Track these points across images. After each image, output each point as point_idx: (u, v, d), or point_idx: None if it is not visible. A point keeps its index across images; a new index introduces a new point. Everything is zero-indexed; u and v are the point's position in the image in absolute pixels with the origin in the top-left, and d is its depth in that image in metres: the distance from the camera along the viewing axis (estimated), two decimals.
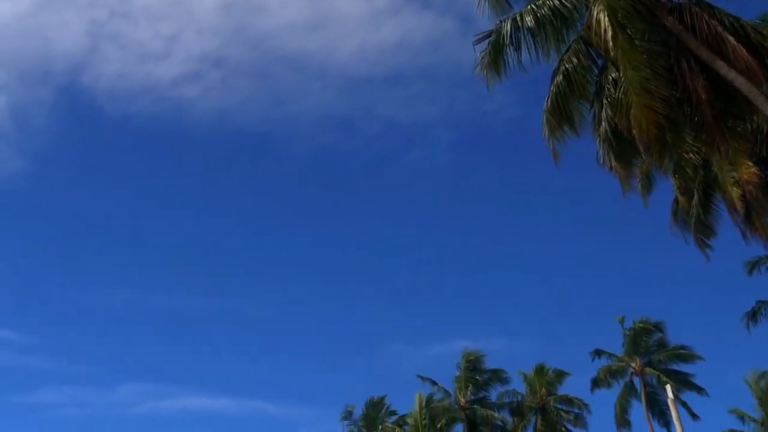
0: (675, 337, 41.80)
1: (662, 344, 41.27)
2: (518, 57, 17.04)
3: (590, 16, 15.57)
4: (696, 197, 22.07)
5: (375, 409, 39.30)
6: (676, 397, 32.32)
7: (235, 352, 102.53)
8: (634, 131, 15.02)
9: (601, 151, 16.98)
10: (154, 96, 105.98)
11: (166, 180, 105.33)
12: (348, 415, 38.76)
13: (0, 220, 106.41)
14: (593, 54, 16.90)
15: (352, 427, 38.98)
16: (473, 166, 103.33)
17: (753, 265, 29.34)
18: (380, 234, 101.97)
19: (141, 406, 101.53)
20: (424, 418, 37.14)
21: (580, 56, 16.62)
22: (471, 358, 38.94)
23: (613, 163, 16.58)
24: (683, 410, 38.08)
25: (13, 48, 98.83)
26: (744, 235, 21.33)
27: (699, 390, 40.07)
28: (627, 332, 41.34)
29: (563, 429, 41.64)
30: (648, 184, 21.94)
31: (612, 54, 15.27)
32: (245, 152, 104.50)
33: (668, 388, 29.92)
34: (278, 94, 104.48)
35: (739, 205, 19.73)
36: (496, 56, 17.05)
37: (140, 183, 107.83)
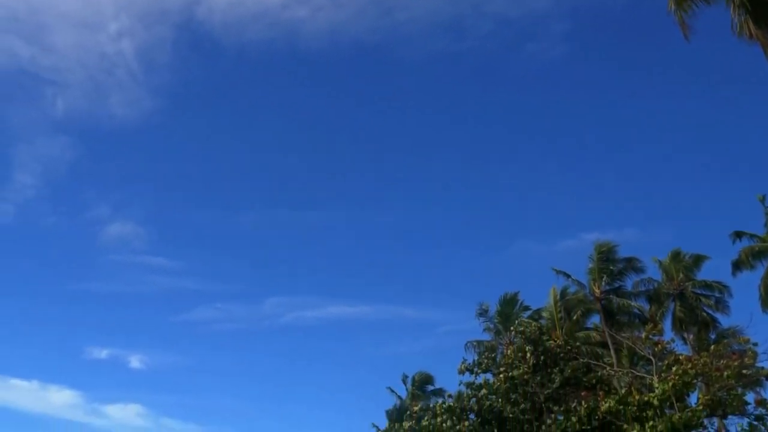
0: None
1: None
2: None
3: None
4: None
5: (509, 306, 39.89)
6: None
7: (369, 261, 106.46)
8: None
9: (736, 19, 15.85)
10: (266, 21, 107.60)
11: (285, 103, 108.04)
12: (483, 312, 39.56)
13: (141, 155, 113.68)
14: None
15: (488, 323, 39.87)
16: (591, 54, 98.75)
17: None
18: (498, 133, 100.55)
19: (286, 317, 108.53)
20: (560, 311, 37.41)
21: None
22: (603, 249, 38.40)
23: (752, 29, 15.43)
24: None
25: None
26: None
27: None
28: None
29: (704, 314, 40.78)
30: None
31: None
32: (360, 66, 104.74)
33: None
34: (385, 3, 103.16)
35: None
36: None
37: (261, 108, 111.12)
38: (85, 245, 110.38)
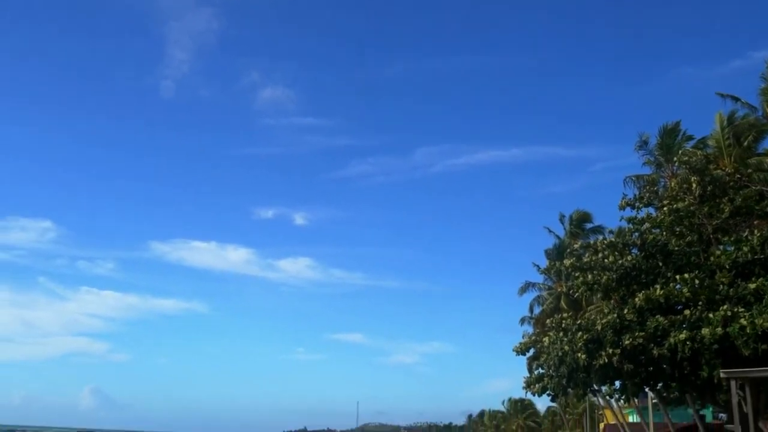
0: None
1: None
2: None
3: None
4: None
5: (670, 136, 37.82)
6: None
7: (518, 103, 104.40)
8: None
9: None
10: None
11: None
12: (643, 144, 37.73)
13: (284, 19, 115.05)
14: None
15: (648, 156, 38.20)
16: None
17: None
18: None
19: (438, 165, 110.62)
20: (727, 138, 35.06)
21: None
22: None
23: None
24: None
25: None
26: None
27: None
28: None
29: None
30: None
31: None
32: None
33: None
34: None
35: None
36: None
37: None
38: (241, 112, 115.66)
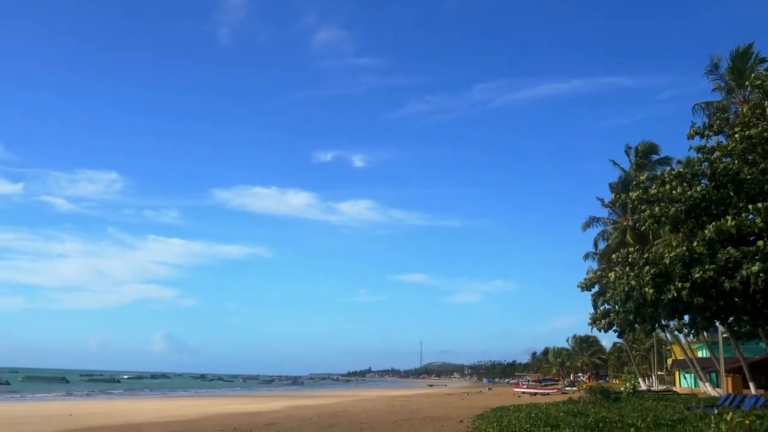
0: None
1: None
2: None
3: None
4: None
5: (742, 60, 35.93)
6: None
7: (577, 33, 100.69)
8: None
9: None
10: None
11: None
12: (713, 68, 35.97)
13: None
14: None
15: (719, 82, 36.45)
16: None
17: None
18: None
19: (497, 100, 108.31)
20: None
21: None
22: None
23: None
24: None
25: None
26: None
27: None
28: None
29: None
30: None
31: None
32: None
33: None
34: None
35: None
36: None
37: None
38: (297, 55, 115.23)
